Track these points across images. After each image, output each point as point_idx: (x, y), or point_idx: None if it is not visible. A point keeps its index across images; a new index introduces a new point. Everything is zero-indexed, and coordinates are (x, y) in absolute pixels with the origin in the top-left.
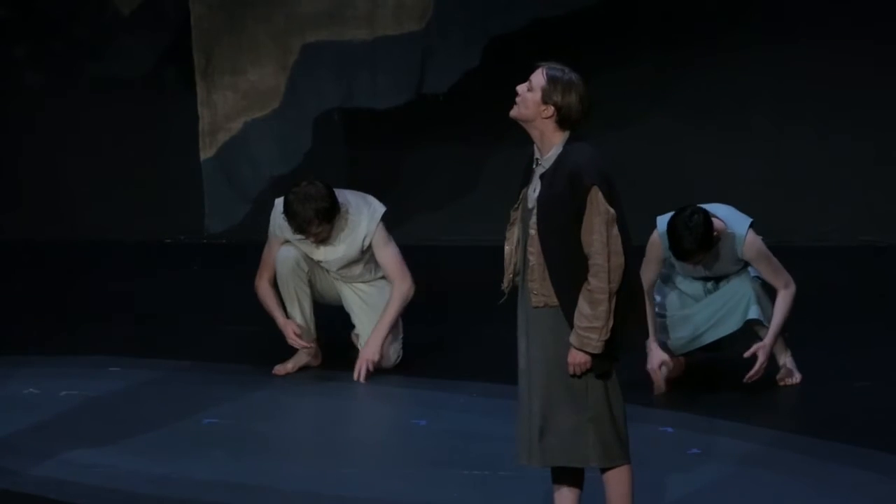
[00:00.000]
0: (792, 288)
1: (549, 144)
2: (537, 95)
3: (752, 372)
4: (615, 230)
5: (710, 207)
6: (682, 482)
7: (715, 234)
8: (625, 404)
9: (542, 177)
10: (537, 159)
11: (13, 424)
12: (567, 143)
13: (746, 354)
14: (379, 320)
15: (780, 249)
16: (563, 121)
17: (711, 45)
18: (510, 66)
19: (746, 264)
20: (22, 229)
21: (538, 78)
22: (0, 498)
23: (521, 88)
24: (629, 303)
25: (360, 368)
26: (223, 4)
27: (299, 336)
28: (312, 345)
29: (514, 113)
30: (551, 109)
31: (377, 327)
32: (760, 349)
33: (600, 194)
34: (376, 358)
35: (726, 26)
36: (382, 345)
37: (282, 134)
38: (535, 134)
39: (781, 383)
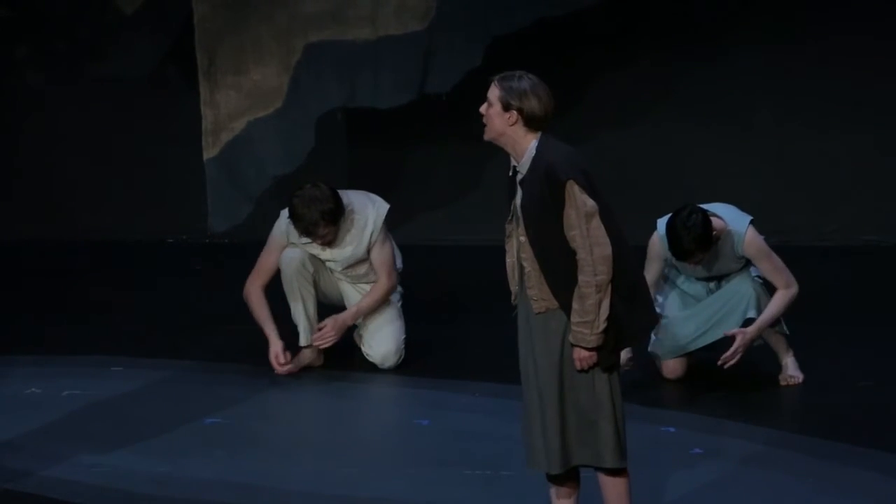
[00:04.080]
0: (793, 289)
1: (522, 150)
2: (497, 107)
3: (726, 354)
4: (595, 222)
5: (711, 207)
6: (683, 482)
7: (714, 233)
8: (624, 405)
9: (521, 183)
10: (514, 167)
11: (15, 424)
12: (539, 144)
13: (727, 333)
14: (357, 304)
15: (782, 249)
16: (529, 122)
17: (713, 44)
18: (512, 67)
19: (748, 263)
20: (24, 229)
21: (493, 91)
22: (2, 497)
23: (482, 109)
24: (630, 292)
25: (325, 334)
26: (226, 4)
27: (283, 362)
28: (290, 368)
29: (486, 136)
30: (515, 115)
31: (351, 310)
32: (739, 333)
33: (576, 188)
34: (332, 330)
35: (728, 26)
36: (346, 325)
37: (285, 133)
38: (507, 144)
39: (783, 383)
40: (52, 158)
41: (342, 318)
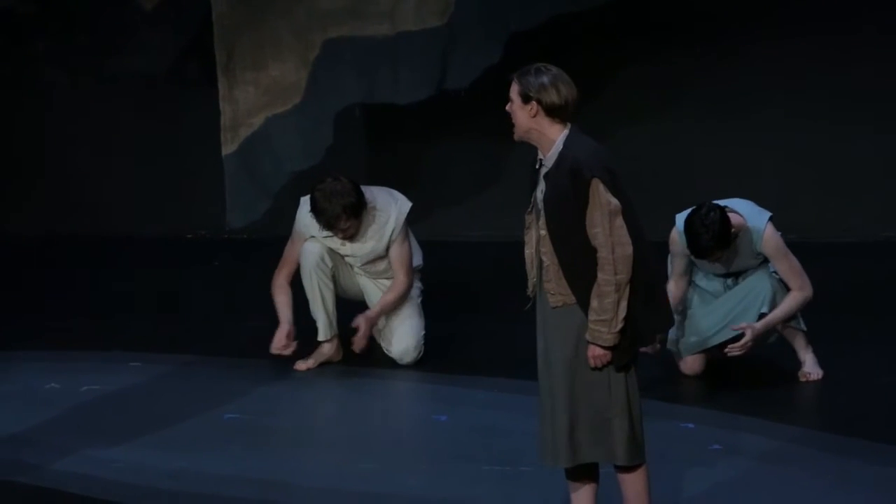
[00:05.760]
0: (807, 292)
1: (549, 143)
2: (518, 101)
3: (734, 345)
4: (619, 221)
5: (730, 203)
6: (702, 478)
7: (733, 230)
8: (641, 402)
9: (545, 176)
10: (540, 160)
11: (34, 419)
12: (567, 139)
13: (734, 328)
14: (379, 302)
15: (803, 245)
16: (550, 111)
17: (731, 39)
18: (530, 63)
19: (766, 259)
20: (43, 224)
21: (513, 88)
22: (21, 492)
23: (507, 108)
24: (647, 292)
25: (359, 336)
26: (245, 0)
27: (285, 344)
28: (334, 339)
29: (516, 135)
30: (535, 106)
31: (376, 308)
32: (748, 328)
33: (601, 186)
34: (365, 331)
35: (745, 21)
36: (374, 322)
37: (303, 129)
38: (535, 138)
39: (803, 379)
40: (71, 154)
41: (371, 317)
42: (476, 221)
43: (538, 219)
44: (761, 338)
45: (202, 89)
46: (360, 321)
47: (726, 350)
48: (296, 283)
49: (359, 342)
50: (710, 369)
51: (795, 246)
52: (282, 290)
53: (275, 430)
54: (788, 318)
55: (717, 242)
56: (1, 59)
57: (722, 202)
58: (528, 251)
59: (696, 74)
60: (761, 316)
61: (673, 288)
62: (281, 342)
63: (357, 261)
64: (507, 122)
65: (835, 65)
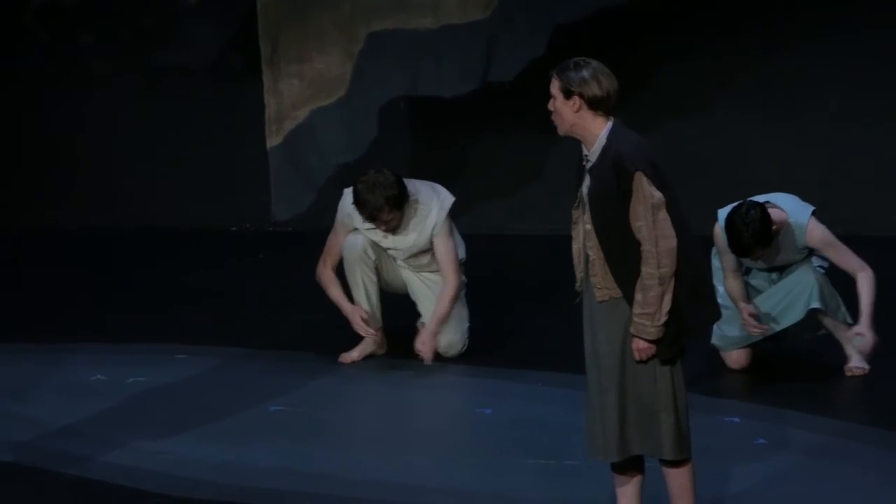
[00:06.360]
0: (869, 270)
1: (593, 137)
2: (560, 97)
3: (855, 367)
4: (662, 214)
5: (772, 197)
6: (747, 472)
7: (774, 227)
8: (687, 397)
9: (590, 171)
10: (585, 156)
11: (81, 411)
12: (610, 133)
13: (852, 333)
14: (434, 313)
15: (848, 240)
16: (593, 104)
17: (778, 32)
18: (576, 55)
19: (810, 253)
20: (88, 217)
21: (553, 84)
22: (69, 484)
23: (549, 106)
24: (692, 285)
25: (426, 354)
26: None
27: (366, 322)
28: (378, 331)
29: (560, 131)
30: (577, 100)
31: (432, 321)
32: (863, 333)
33: (644, 179)
34: (431, 347)
35: (793, 13)
36: (435, 336)
37: (347, 122)
38: (579, 133)
39: (849, 373)
40: (116, 147)
41: (431, 330)
42: (521, 215)
43: (584, 213)
44: (811, 329)
45: (247, 82)
46: (426, 338)
47: (847, 370)
48: (339, 276)
49: (428, 357)
50: (755, 364)
51: (839, 239)
52: (333, 282)
53: (320, 422)
54: (875, 300)
55: (757, 240)
56: (46, 54)
57: (764, 197)
58: (576, 246)
59: (742, 68)
60: (812, 311)
61: (732, 284)
62: (362, 325)
63: (400, 254)
64: (551, 115)
65: (880, 59)
